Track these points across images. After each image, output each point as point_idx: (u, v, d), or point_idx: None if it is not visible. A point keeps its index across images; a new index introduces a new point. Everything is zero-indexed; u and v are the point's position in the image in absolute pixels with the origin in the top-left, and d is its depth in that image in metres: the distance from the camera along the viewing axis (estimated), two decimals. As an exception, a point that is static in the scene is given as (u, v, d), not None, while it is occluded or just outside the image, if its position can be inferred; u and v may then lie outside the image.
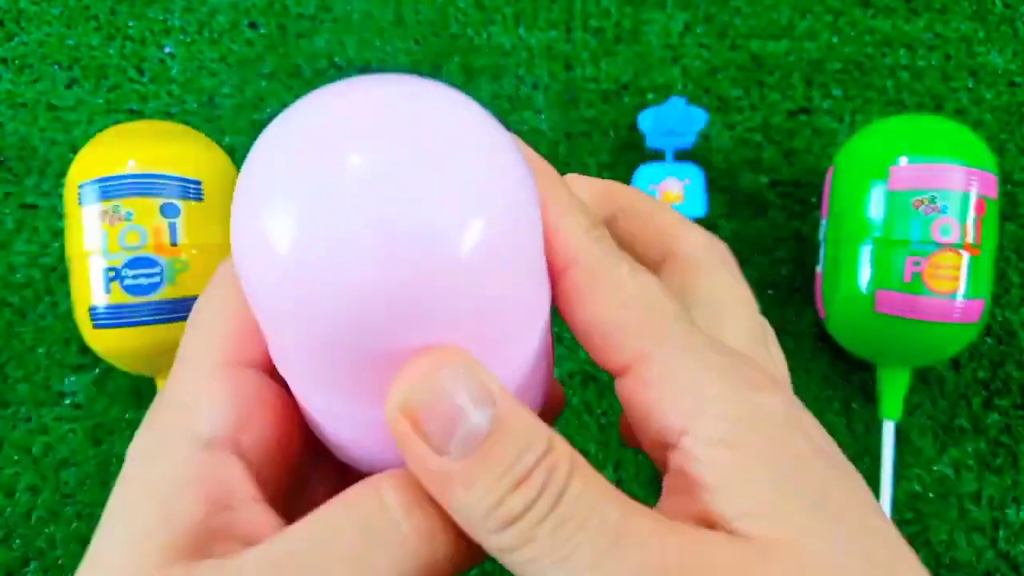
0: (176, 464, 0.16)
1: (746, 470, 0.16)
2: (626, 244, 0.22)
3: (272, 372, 0.18)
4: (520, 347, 0.17)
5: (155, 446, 0.17)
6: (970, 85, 0.50)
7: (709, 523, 0.16)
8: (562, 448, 0.16)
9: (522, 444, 0.15)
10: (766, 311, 0.22)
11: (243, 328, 0.18)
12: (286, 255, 0.14)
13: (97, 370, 0.46)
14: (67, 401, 0.45)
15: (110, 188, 0.38)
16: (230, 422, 0.17)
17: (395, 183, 0.14)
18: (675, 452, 0.16)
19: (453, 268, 0.14)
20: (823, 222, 0.44)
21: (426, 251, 0.14)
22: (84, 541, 0.44)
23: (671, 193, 0.46)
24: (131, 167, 0.38)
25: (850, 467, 0.17)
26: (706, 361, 0.17)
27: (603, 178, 0.54)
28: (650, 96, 0.50)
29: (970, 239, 0.38)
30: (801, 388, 0.46)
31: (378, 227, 0.14)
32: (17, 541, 0.44)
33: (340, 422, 0.18)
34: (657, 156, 0.48)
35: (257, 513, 0.17)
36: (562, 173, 0.56)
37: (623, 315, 0.17)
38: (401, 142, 0.14)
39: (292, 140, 0.15)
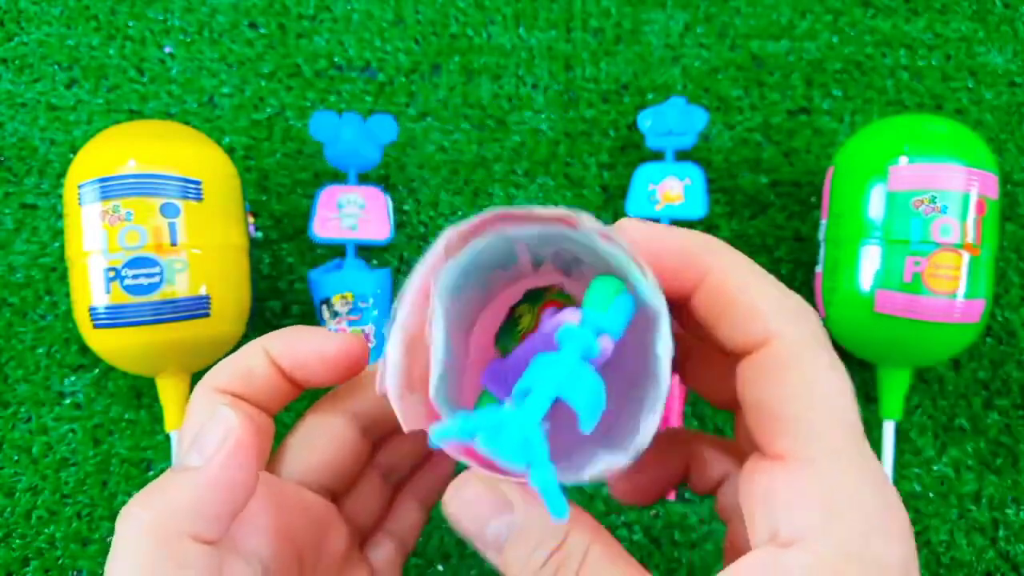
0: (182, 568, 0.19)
1: None
2: (708, 321, 0.20)
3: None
4: None
5: (148, 540, 0.19)
6: (970, 85, 0.50)
7: None
8: (576, 541, 0.19)
9: (533, 543, 0.19)
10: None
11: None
12: None
13: (97, 370, 0.46)
14: (67, 401, 0.45)
15: (110, 188, 0.38)
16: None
17: None
18: (770, 551, 0.17)
19: None
20: (823, 222, 0.44)
21: None
22: (84, 541, 0.44)
23: (671, 193, 0.46)
24: (131, 167, 0.38)
25: None
26: (857, 495, 0.17)
27: (604, 179, 0.54)
28: (650, 96, 0.50)
29: (970, 239, 0.38)
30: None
31: None
32: (17, 541, 0.44)
33: None
34: (657, 156, 0.48)
35: None
36: (562, 173, 0.55)
37: (808, 415, 0.18)
38: None
39: None
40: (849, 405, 0.18)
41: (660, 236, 0.20)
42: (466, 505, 0.19)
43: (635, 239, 0.19)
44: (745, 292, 0.19)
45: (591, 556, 0.18)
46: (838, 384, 0.18)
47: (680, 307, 0.20)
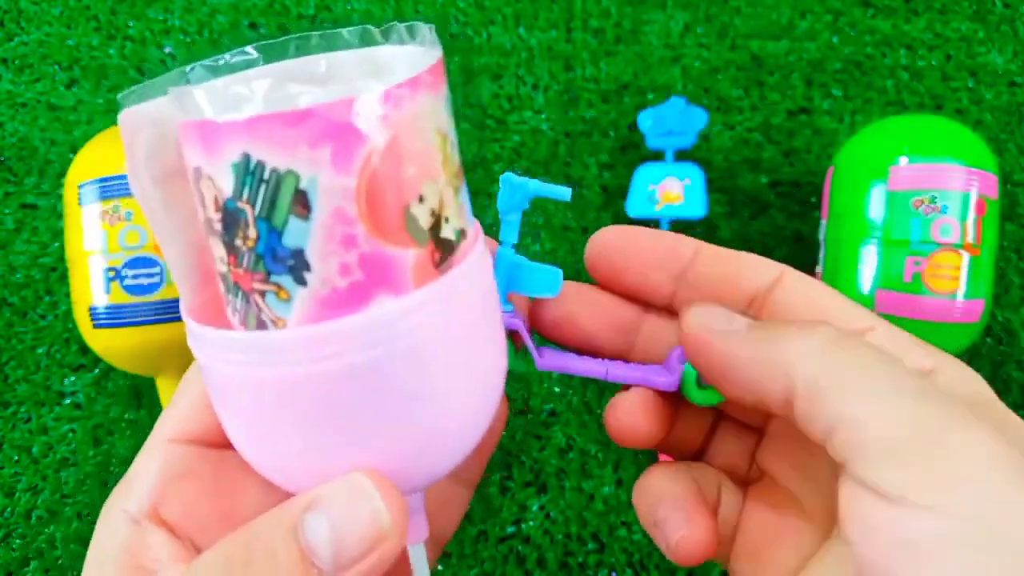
0: (109, 537, 0.20)
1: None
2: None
3: (218, 444, 0.20)
4: None
5: (102, 519, 0.20)
6: (970, 85, 0.50)
7: None
8: None
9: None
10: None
11: (189, 410, 0.20)
12: None
13: (97, 370, 0.46)
14: (67, 401, 0.45)
15: (110, 188, 0.38)
16: (152, 496, 0.20)
17: None
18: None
19: None
20: (823, 222, 0.44)
21: None
22: (84, 541, 0.44)
23: (671, 193, 0.46)
24: (131, 167, 0.38)
25: None
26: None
27: (604, 179, 0.54)
28: (650, 96, 0.50)
29: (970, 239, 0.38)
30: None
31: None
32: (17, 541, 0.44)
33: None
34: (657, 156, 0.48)
35: (178, 573, 0.19)
36: (562, 173, 0.55)
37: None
38: None
39: None
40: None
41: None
42: (710, 309, 0.20)
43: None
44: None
45: None
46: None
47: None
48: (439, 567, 0.44)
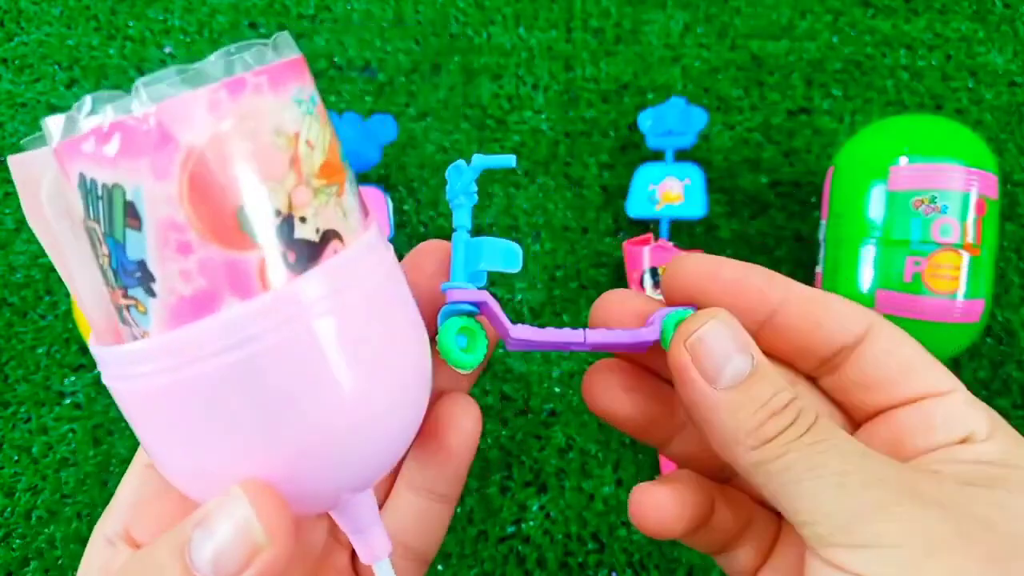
0: (93, 559, 0.21)
1: None
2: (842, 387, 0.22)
3: None
4: None
5: (89, 543, 0.21)
6: (970, 85, 0.50)
7: None
8: (807, 398, 0.20)
9: (776, 387, 0.19)
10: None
11: None
12: None
13: (97, 370, 0.46)
14: (67, 401, 0.45)
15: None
16: (124, 519, 0.20)
17: None
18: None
19: None
20: (823, 222, 0.44)
21: None
22: (84, 541, 0.44)
23: (671, 193, 0.46)
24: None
25: None
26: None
27: (604, 179, 0.53)
28: (650, 96, 0.50)
29: (970, 239, 0.38)
30: (801, 388, 0.46)
31: None
32: (17, 541, 0.44)
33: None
34: (657, 156, 0.48)
35: None
36: (562, 173, 0.55)
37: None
38: None
39: None
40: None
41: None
42: (712, 339, 0.19)
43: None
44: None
45: (821, 417, 0.19)
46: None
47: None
48: (439, 567, 0.44)
